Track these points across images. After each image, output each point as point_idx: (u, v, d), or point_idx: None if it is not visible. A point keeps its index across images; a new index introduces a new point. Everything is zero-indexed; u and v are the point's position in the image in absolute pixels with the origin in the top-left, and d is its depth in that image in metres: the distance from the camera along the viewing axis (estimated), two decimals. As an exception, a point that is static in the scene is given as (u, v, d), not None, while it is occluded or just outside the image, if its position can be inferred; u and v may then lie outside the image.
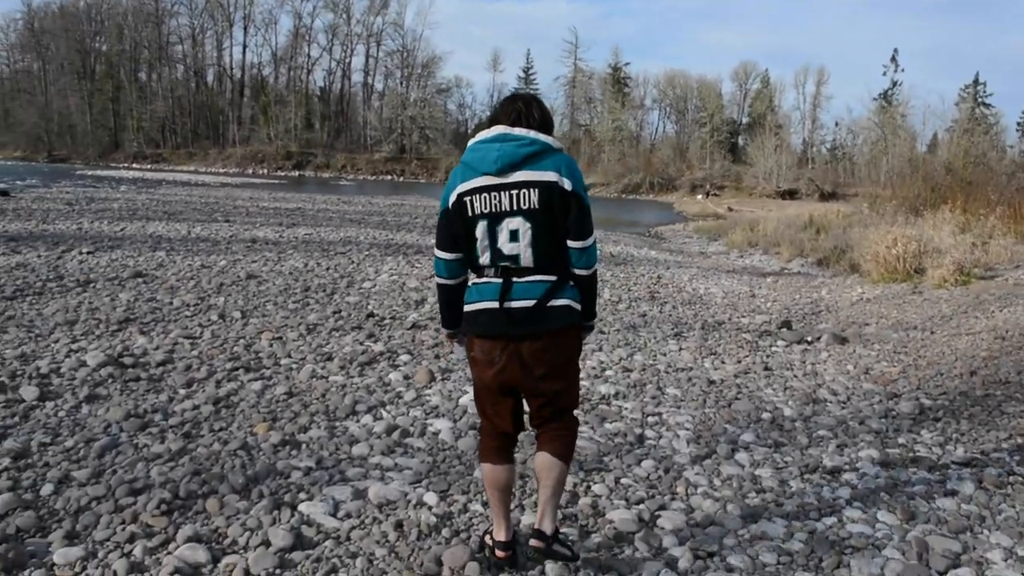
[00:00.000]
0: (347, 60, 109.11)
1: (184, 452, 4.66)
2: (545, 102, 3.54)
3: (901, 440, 5.65)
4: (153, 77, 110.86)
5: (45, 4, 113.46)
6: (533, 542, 3.39)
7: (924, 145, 68.32)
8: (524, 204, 3.13)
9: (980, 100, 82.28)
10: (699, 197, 66.18)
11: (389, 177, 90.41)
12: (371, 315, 8.89)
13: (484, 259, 3.24)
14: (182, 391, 5.87)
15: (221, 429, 5.10)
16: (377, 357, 7.08)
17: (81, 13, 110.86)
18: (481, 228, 3.19)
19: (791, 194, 65.91)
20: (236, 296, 9.64)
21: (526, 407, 3.48)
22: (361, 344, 7.55)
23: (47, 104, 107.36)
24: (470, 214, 3.19)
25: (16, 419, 5.10)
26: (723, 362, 7.74)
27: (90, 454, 4.56)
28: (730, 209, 49.95)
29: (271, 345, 7.35)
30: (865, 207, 30.64)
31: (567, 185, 3.15)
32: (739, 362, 7.77)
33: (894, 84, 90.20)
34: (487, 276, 3.26)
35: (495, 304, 3.21)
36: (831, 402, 6.55)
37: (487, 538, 3.61)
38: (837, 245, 19.61)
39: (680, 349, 8.16)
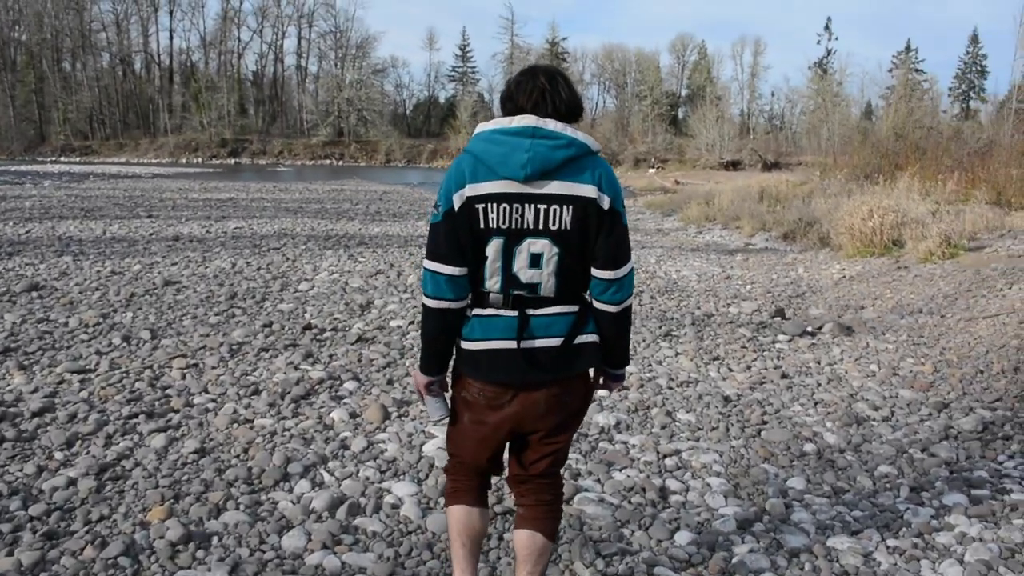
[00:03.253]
0: (279, 43, 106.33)
1: (39, 569, 3.28)
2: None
3: (983, 473, 4.49)
4: (77, 67, 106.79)
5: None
6: None
7: (859, 112, 68.31)
8: (554, 224, 2.48)
9: (913, 67, 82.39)
10: (651, 171, 65.27)
11: (328, 161, 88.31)
12: (308, 327, 7.52)
13: (492, 283, 2.55)
14: (59, 455, 4.46)
15: (101, 519, 3.71)
16: (316, 387, 5.73)
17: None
18: (495, 247, 2.50)
19: (734, 165, 65.47)
20: (147, 310, 8.18)
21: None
22: (296, 369, 6.20)
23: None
24: (482, 226, 2.49)
25: None
26: (731, 369, 6.54)
27: (-100, 579, 3.18)
28: (677, 182, 49.07)
29: (184, 377, 5.95)
30: (817, 176, 29.89)
31: (605, 203, 2.49)
32: (749, 368, 6.57)
33: (829, 52, 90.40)
34: (493, 306, 2.57)
35: (510, 343, 2.54)
36: (875, 420, 5.38)
37: None
38: (802, 217, 18.63)
39: (677, 354, 6.94)
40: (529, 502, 2.79)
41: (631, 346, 7.12)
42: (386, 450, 4.61)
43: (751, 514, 3.88)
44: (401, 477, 4.25)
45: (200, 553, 3.42)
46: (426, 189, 37.07)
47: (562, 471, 2.91)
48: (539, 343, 2.55)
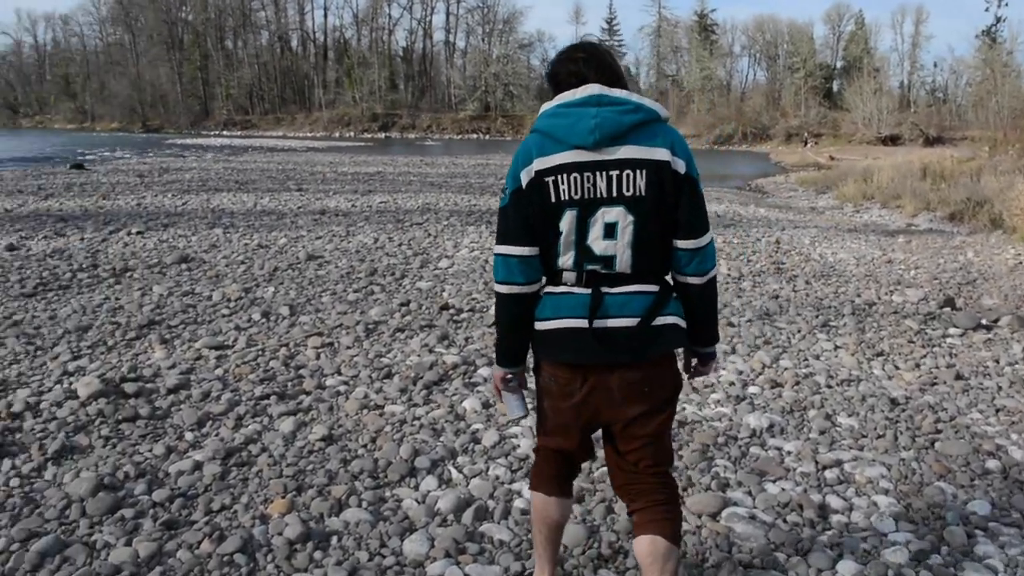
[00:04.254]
0: (428, 19, 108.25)
1: (155, 562, 3.16)
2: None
3: None
4: (239, 44, 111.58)
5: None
6: None
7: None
8: (628, 190, 2.36)
9: (1093, 36, 75.87)
10: (809, 145, 62.82)
11: (475, 136, 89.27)
12: (445, 307, 7.34)
13: (565, 259, 2.43)
14: (188, 436, 4.40)
15: (222, 509, 3.59)
16: (449, 372, 5.52)
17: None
18: (568, 219, 2.39)
19: (893, 140, 62.50)
20: (289, 285, 8.19)
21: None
22: (430, 351, 6.01)
23: (139, 75, 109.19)
24: (554, 199, 2.38)
25: (-51, 494, 3.71)
26: (897, 367, 5.95)
27: (21, 566, 3.11)
28: (831, 158, 47.06)
29: (318, 356, 5.85)
30: (985, 152, 27.91)
31: (681, 167, 2.39)
32: (918, 366, 5.97)
33: (998, 20, 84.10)
34: (566, 283, 2.46)
35: (582, 322, 2.41)
36: (1068, 433, 4.74)
37: None
38: (970, 197, 17.32)
39: (836, 348, 6.38)
40: (640, 505, 2.59)
41: (787, 337, 6.63)
42: (518, 446, 4.33)
43: (927, 544, 3.39)
44: (533, 478, 3.97)
45: (318, 554, 3.23)
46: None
47: (672, 470, 2.69)
48: (612, 323, 2.41)
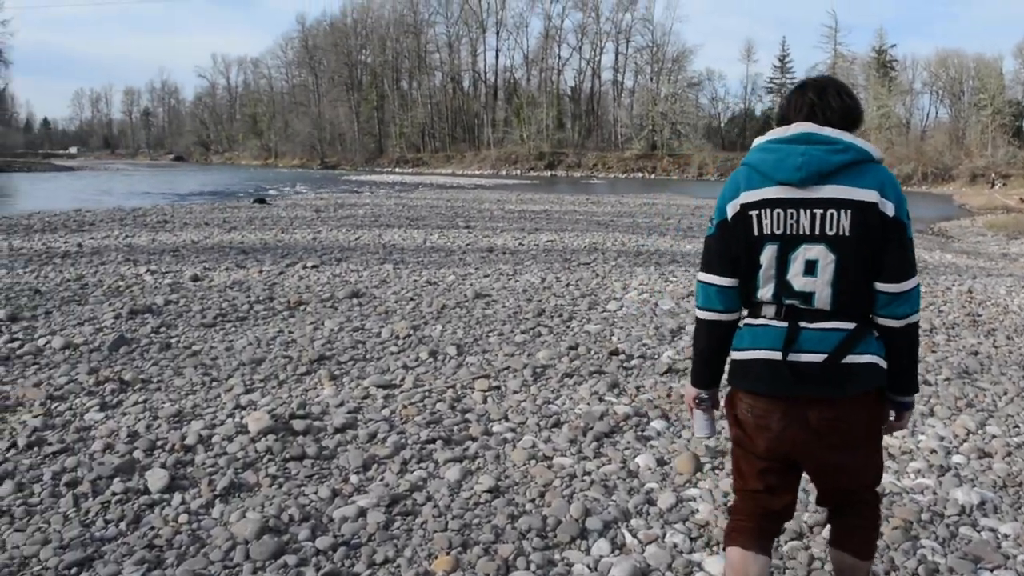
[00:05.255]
0: (596, 59, 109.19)
1: (316, 618, 3.03)
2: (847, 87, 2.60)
3: None
4: (413, 85, 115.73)
5: (317, 22, 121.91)
6: None
7: None
8: (831, 229, 2.38)
9: None
10: (997, 187, 59.30)
11: (640, 175, 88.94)
12: (615, 352, 7.06)
13: (765, 292, 2.49)
14: (354, 479, 4.30)
15: (385, 562, 3.43)
16: (620, 424, 5.23)
17: (348, 28, 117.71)
18: (769, 253, 2.45)
19: (1092, 181, 58.05)
20: (456, 323, 8.12)
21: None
22: (600, 400, 5.74)
23: (320, 115, 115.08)
24: (756, 233, 2.45)
25: (121, 527, 3.72)
26: None
27: (184, 611, 3.04)
28: (1022, 200, 44.08)
29: (485, 400, 5.70)
30: None
31: (889, 210, 2.37)
32: None
33: None
34: (765, 316, 2.50)
35: (776, 354, 2.44)
36: None
37: None
38: None
39: (1051, 415, 5.72)
40: (835, 520, 2.75)
41: (992, 399, 6.00)
42: (697, 511, 4.00)
43: None
44: (714, 549, 3.61)
45: (484, 622, 3.02)
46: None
47: (879, 489, 2.76)
48: (804, 357, 2.41)
